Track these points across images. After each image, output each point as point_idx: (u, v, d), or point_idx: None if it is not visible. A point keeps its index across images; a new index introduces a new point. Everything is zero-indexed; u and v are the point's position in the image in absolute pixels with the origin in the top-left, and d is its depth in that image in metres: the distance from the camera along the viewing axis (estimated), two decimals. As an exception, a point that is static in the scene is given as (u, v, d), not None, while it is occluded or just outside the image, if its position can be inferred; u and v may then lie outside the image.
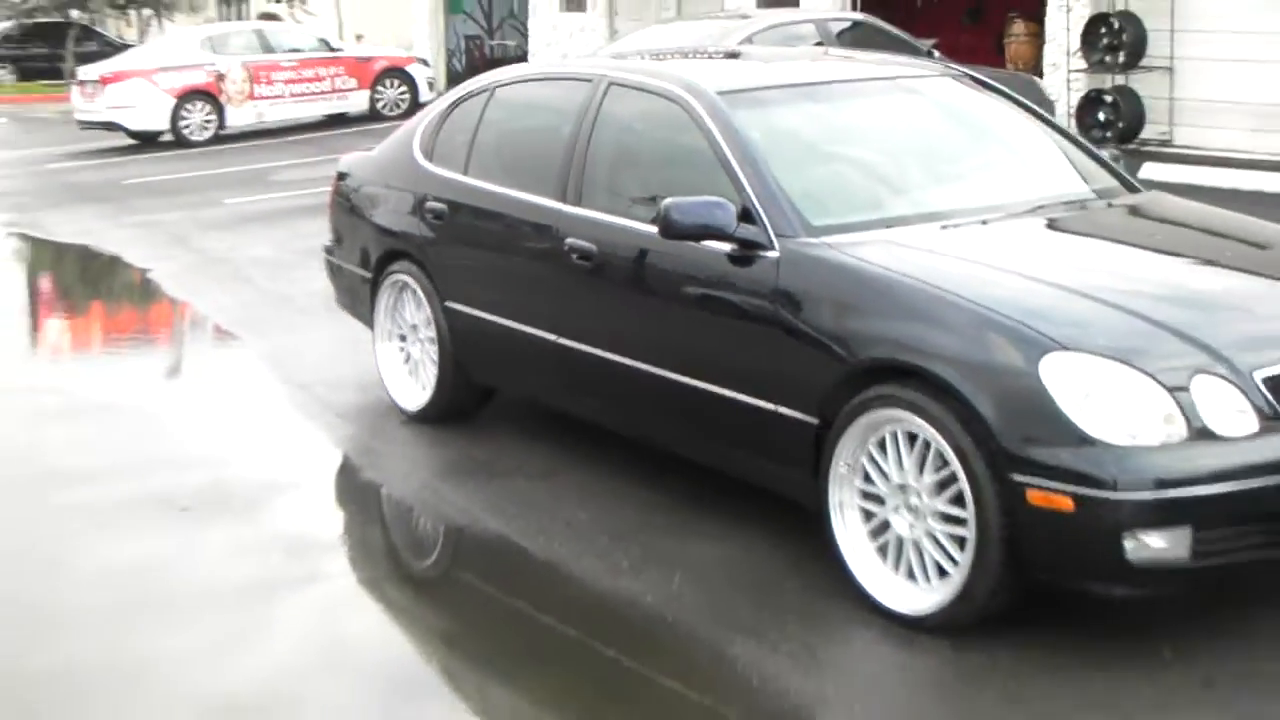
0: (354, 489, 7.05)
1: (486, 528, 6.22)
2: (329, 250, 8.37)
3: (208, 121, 21.52)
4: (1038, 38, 19.73)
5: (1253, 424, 4.77)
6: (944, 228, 5.72)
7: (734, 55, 8.42)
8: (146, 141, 21.48)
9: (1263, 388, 4.83)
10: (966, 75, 7.12)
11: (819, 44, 14.21)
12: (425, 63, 24.72)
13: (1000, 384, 4.82)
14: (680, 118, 6.18)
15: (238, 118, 21.77)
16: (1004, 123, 6.82)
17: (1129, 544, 4.62)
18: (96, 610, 5.48)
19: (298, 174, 18.08)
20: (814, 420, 5.34)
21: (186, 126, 21.31)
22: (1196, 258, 5.92)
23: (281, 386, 8.56)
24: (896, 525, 5.14)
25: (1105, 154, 6.83)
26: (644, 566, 5.69)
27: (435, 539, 6.43)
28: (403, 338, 7.65)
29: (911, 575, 5.12)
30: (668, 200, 5.66)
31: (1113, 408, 4.71)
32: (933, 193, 6.13)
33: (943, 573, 5.01)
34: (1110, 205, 6.28)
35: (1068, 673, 4.78)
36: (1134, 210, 6.33)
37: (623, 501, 6.36)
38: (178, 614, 5.43)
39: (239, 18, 33.64)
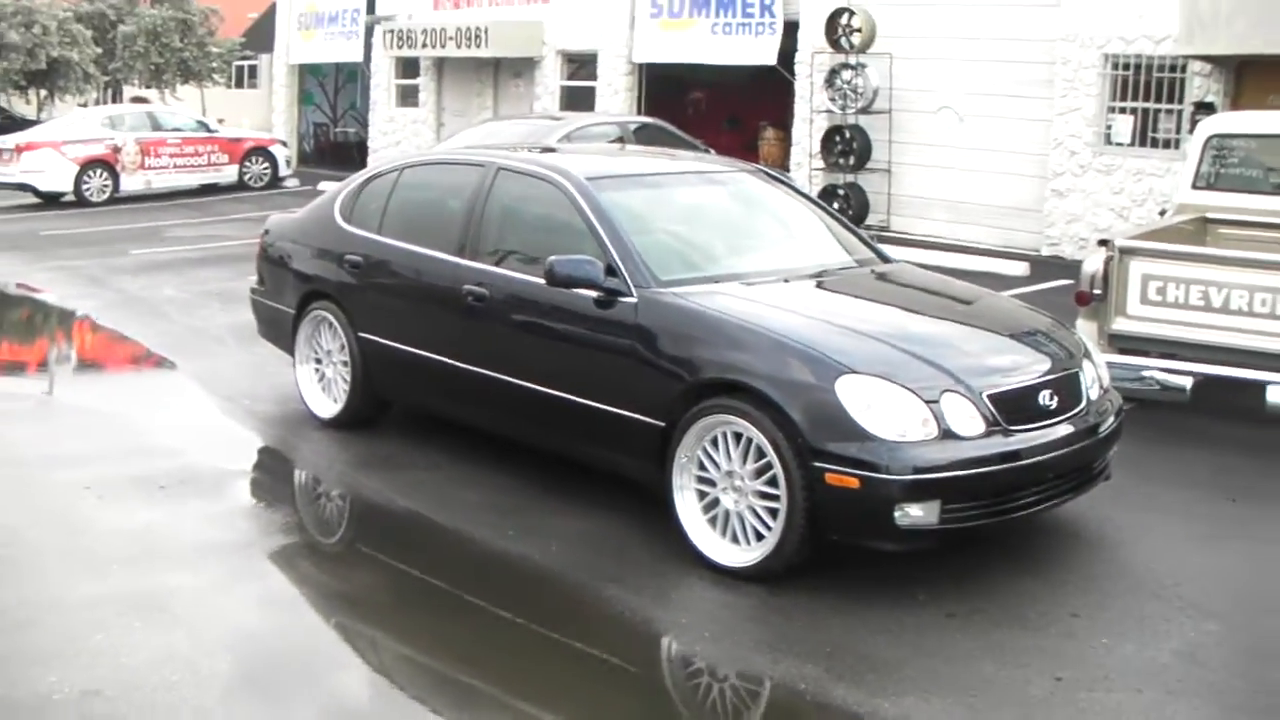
0: (290, 475, 7.31)
1: (400, 505, 6.54)
2: (255, 291, 8.60)
3: (105, 186, 21.29)
4: (784, 142, 20.66)
5: (981, 427, 5.45)
6: (754, 284, 6.27)
7: (607, 149, 8.86)
8: (50, 201, 21.07)
9: (987, 402, 5.51)
10: (761, 170, 7.72)
11: (618, 140, 14.71)
12: (284, 144, 24.70)
13: (806, 397, 5.40)
14: (556, 196, 6.65)
15: (130, 184, 21.56)
16: (790, 207, 7.41)
17: (897, 512, 5.24)
18: (119, 559, 5.69)
19: (187, 231, 17.96)
20: (661, 423, 5.84)
21: (87, 189, 21.05)
22: (932, 310, 6.53)
23: (213, 398, 8.70)
24: (724, 501, 5.67)
25: (864, 234, 7.51)
26: (526, 535, 6.09)
27: (361, 512, 6.65)
28: (318, 361, 7.93)
29: (735, 539, 5.65)
30: (552, 257, 6.14)
31: (887, 414, 5.32)
32: (744, 258, 6.66)
33: (759, 536, 5.56)
34: (873, 271, 6.93)
35: (854, 608, 5.35)
36: (886, 275, 6.98)
37: (500, 487, 6.74)
38: (181, 562, 5.69)
39: (115, 99, 32.89)
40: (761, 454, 5.48)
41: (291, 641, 5.06)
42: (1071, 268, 14.76)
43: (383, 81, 25.12)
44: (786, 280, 6.40)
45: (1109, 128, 16.10)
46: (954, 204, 17.25)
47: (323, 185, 22.91)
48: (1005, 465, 5.46)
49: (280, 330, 8.25)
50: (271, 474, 7.34)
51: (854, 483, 5.23)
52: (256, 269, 8.60)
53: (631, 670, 4.98)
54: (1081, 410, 5.87)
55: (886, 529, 5.28)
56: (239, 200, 21.65)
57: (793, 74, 19.09)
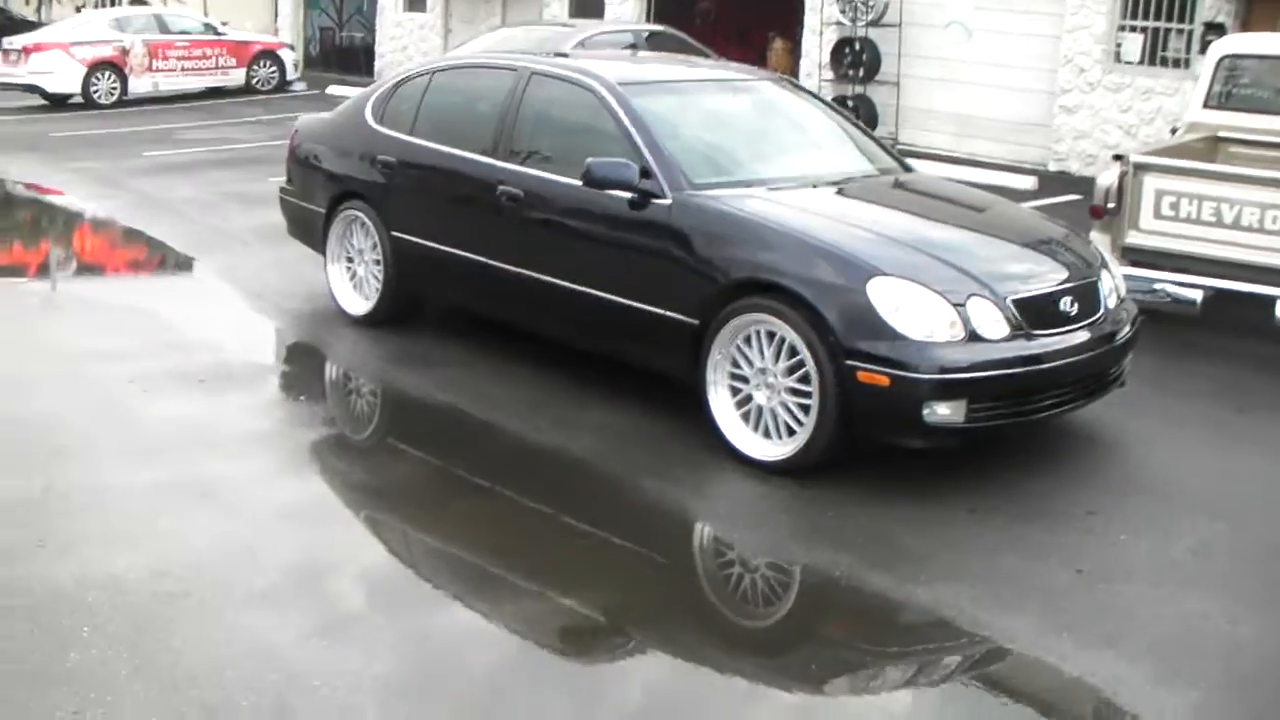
0: (325, 371, 7.48)
1: (436, 399, 6.72)
2: (285, 191, 8.70)
3: (113, 88, 21.19)
4: (792, 53, 20.61)
5: (1005, 331, 5.62)
6: (783, 189, 6.41)
7: (626, 56, 8.93)
8: (58, 103, 21.00)
9: (1011, 307, 5.68)
10: (784, 79, 7.82)
11: (630, 46, 14.72)
12: (291, 47, 24.59)
13: (839, 298, 5.56)
14: (589, 100, 6.76)
15: (138, 86, 21.47)
16: (814, 115, 7.52)
17: (925, 410, 5.43)
18: (168, 448, 5.86)
19: (198, 134, 17.93)
20: (695, 322, 6.01)
21: (95, 92, 20.96)
22: (955, 218, 6.68)
23: (243, 296, 8.83)
24: (757, 398, 5.85)
25: (885, 142, 7.64)
26: (560, 428, 6.28)
27: (396, 405, 6.83)
28: (349, 260, 8.06)
29: (768, 434, 5.84)
30: (589, 159, 6.27)
31: (916, 315, 5.49)
32: (772, 164, 6.79)
33: (791, 431, 5.75)
34: (895, 179, 7.07)
35: (880, 502, 5.54)
36: (909, 183, 7.11)
37: (530, 383, 6.91)
38: (228, 452, 5.86)
39: (113, 3, 32.53)
40: (794, 352, 5.65)
41: (336, 529, 5.25)
42: (1079, 183, 14.99)
43: (390, -15, 24.96)
44: (814, 186, 6.53)
45: (1119, 45, 16.10)
46: (962, 118, 17.28)
47: (331, 89, 22.92)
48: (1028, 368, 5.64)
49: (310, 229, 8.38)
50: (307, 369, 7.53)
51: (885, 381, 5.41)
52: (286, 169, 8.70)
53: (667, 558, 5.17)
54: (1100, 318, 6.05)
55: (915, 426, 5.47)
56: (247, 104, 21.60)
57: (803, -14, 19.01)
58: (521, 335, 7.29)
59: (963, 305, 5.54)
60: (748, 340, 5.83)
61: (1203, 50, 15.00)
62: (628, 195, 6.26)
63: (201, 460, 5.69)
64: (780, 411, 5.75)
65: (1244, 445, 6.50)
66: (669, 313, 6.08)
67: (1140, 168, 8.25)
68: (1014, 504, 5.61)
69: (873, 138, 7.52)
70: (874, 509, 5.47)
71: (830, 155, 7.07)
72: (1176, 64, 15.63)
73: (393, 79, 8.11)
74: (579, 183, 6.44)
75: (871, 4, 17.70)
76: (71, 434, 5.96)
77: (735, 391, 5.92)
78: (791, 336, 5.62)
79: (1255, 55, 10.13)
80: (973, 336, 5.51)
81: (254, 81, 22.94)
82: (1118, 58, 16.07)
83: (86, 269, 10.44)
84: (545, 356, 7.15)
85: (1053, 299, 5.86)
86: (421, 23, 24.38)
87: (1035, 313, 5.74)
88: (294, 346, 7.78)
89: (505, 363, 7.19)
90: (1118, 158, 8.40)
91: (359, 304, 7.98)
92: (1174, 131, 10.61)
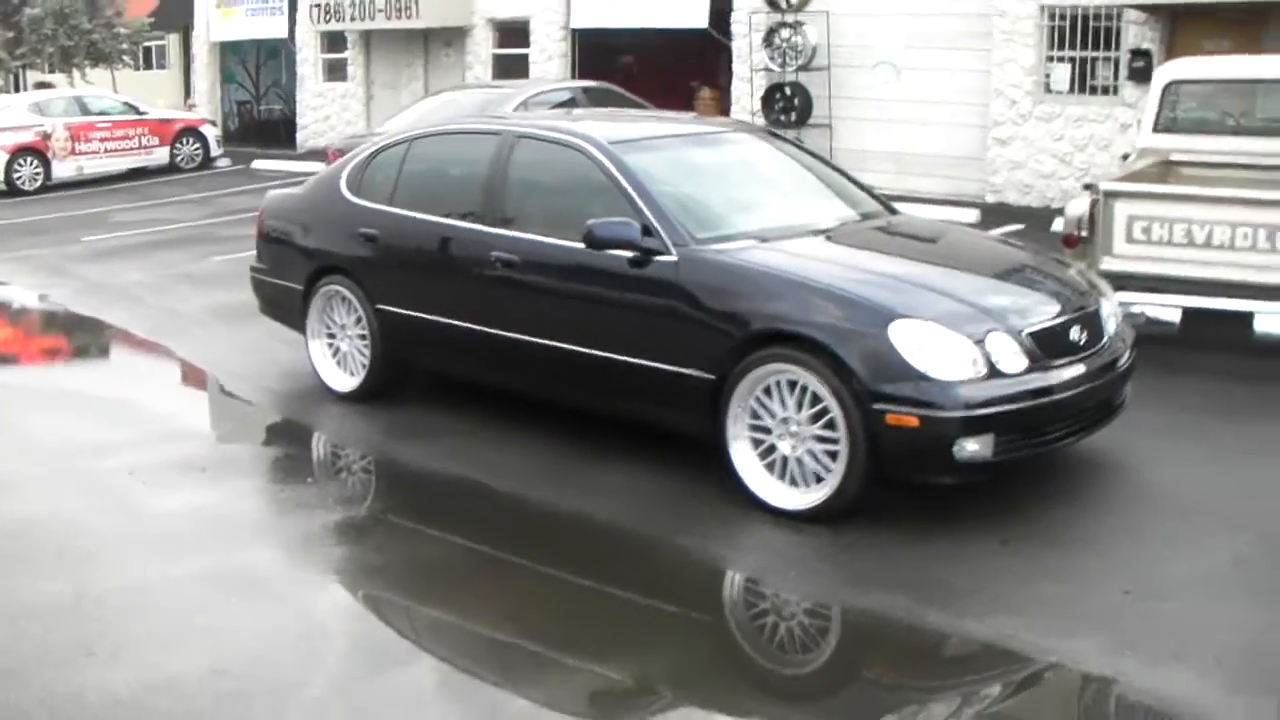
0: (327, 449, 7.37)
1: (448, 472, 6.62)
2: (256, 270, 8.60)
3: (36, 174, 20.90)
4: (719, 100, 20.87)
5: (1024, 364, 5.71)
6: (785, 239, 6.46)
7: (608, 115, 8.94)
8: (-21, 191, 20.70)
9: (1028, 340, 5.77)
10: (762, 129, 7.90)
11: (568, 103, 14.73)
12: (213, 123, 24.42)
13: (860, 343, 5.61)
14: (579, 160, 6.77)
15: (62, 171, 21.18)
16: (797, 163, 7.59)
17: (955, 447, 5.49)
18: (189, 541, 5.71)
19: (132, 216, 17.70)
20: (711, 376, 6.02)
21: (19, 178, 20.66)
22: (955, 255, 6.78)
23: (219, 377, 8.74)
24: (781, 448, 5.87)
25: (867, 185, 7.74)
26: (580, 494, 6.22)
27: (410, 481, 6.65)
28: (331, 336, 7.99)
29: (794, 483, 5.86)
30: (590, 221, 6.29)
31: (938, 355, 5.55)
32: (768, 214, 6.82)
33: (818, 479, 5.77)
34: (888, 222, 7.16)
35: (913, 541, 5.59)
36: (901, 226, 7.21)
37: (535, 449, 6.85)
38: (246, 540, 5.75)
39: (19, 88, 32.15)
40: (817, 400, 5.68)
41: (375, 616, 5.18)
42: (1018, 213, 15.30)
43: (309, 56, 24.89)
44: (812, 234, 6.58)
45: (1048, 76, 16.46)
46: (898, 156, 17.56)
47: (256, 164, 22.77)
48: (1049, 398, 5.73)
49: (287, 307, 8.29)
50: (307, 449, 7.37)
51: (914, 421, 5.46)
52: (257, 248, 8.61)
53: (715, 616, 5.18)
54: (1104, 344, 6.16)
55: (945, 464, 5.53)
56: (171, 183, 21.38)
57: (726, 35, 19.25)
58: (515, 401, 7.26)
59: (982, 341, 5.62)
60: (768, 391, 5.85)
61: (1130, 77, 15.42)
62: (629, 254, 6.25)
63: (224, 551, 5.57)
64: (807, 459, 5.78)
65: (1247, 456, 6.64)
66: (683, 369, 6.09)
67: (1111, 195, 8.42)
68: (1043, 532, 5.70)
69: (854, 181, 7.60)
70: (908, 547, 5.52)
71: (818, 202, 7.14)
72: (1106, 91, 16.02)
73: (366, 150, 8.06)
74: (578, 244, 6.44)
75: (799, 49, 17.95)
76: (86, 534, 5.81)
77: (757, 443, 5.93)
78: (814, 384, 5.66)
79: (1201, 80, 10.41)
80: (994, 372, 5.60)
81: (178, 159, 22.76)
82: (1048, 88, 16.44)
83: (52, 359, 10.22)
84: (544, 421, 7.11)
85: (1063, 329, 5.97)
86: (343, 91, 24.36)
87: (1049, 344, 5.83)
88: (286, 427, 7.64)
89: (505, 430, 7.13)
90: (1088, 187, 8.58)
91: (344, 380, 7.91)
92: (1125, 158, 10.83)
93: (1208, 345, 8.46)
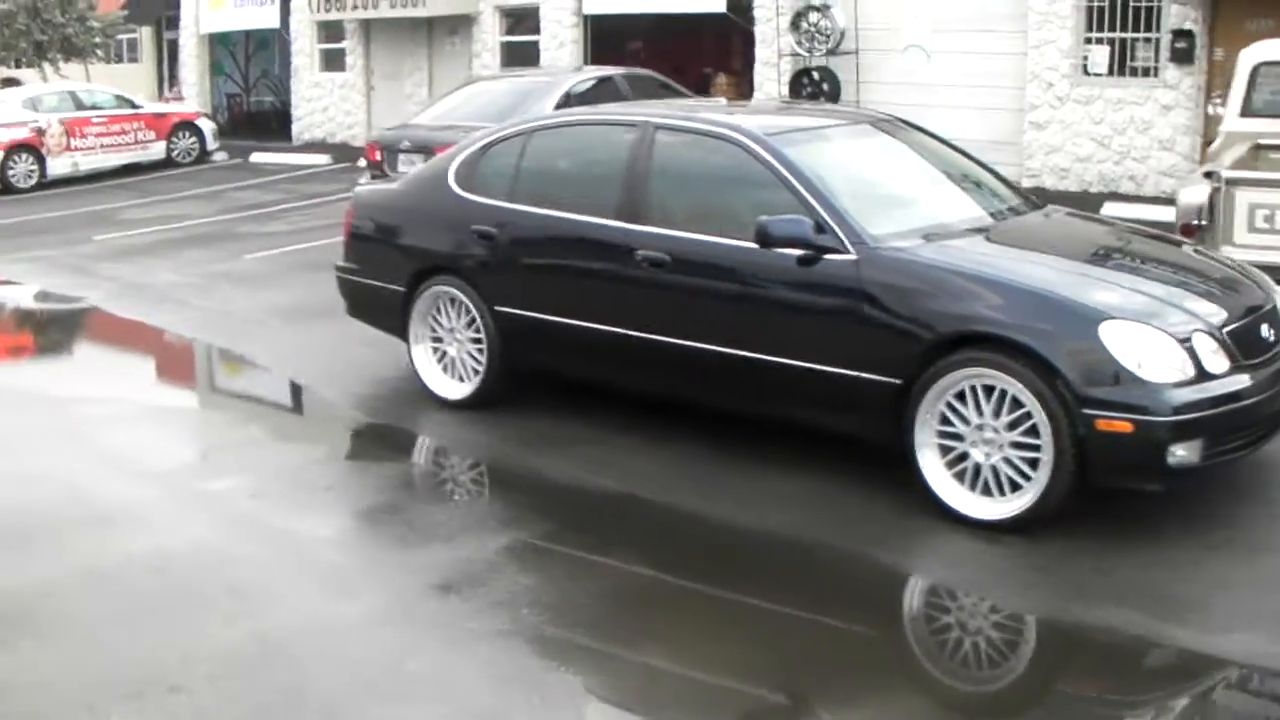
0: (460, 463, 7.04)
1: (600, 485, 6.31)
2: (345, 270, 8.32)
3: (31, 171, 20.42)
4: (737, 86, 20.72)
5: (1227, 364, 5.55)
6: (957, 234, 6.28)
7: (740, 105, 8.55)
8: (-29, 191, 20.22)
9: (1228, 339, 5.61)
10: (892, 117, 7.70)
11: (612, 91, 14.39)
12: (209, 116, 23.98)
13: (1069, 346, 5.42)
14: (736, 154, 6.53)
15: (57, 167, 20.71)
16: (939, 154, 7.38)
17: (1168, 453, 5.31)
18: (342, 570, 5.47)
19: (141, 213, 17.29)
20: (896, 381, 5.82)
21: (13, 175, 20.18)
22: (1136, 253, 6.54)
23: (311, 385, 8.47)
24: (974, 455, 5.68)
25: (1005, 176, 7.56)
26: (745, 504, 5.98)
27: (564, 496, 6.28)
28: (437, 340, 7.73)
29: (987, 492, 5.67)
30: (763, 218, 6.06)
31: (1150, 357, 5.38)
32: (932, 208, 6.65)
33: (1015, 487, 5.58)
34: (1046, 215, 6.98)
35: (1118, 550, 5.42)
36: (1063, 219, 7.05)
37: (684, 456, 6.58)
38: (417, 567, 5.39)
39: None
40: (1017, 405, 5.50)
41: (567, 659, 4.65)
42: (1055, 198, 15.00)
43: (305, 46, 24.48)
44: (977, 230, 6.40)
45: (1085, 58, 16.35)
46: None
47: (255, 157, 22.39)
48: (1250, 400, 5.57)
49: (384, 310, 8.02)
50: (436, 462, 7.08)
51: (1127, 427, 5.29)
52: (346, 246, 8.32)
53: (965, 629, 4.99)
54: None
55: (1158, 470, 5.37)
56: (171, 178, 20.97)
57: (747, 20, 19.05)
58: (642, 406, 7.04)
59: (1188, 341, 5.46)
60: (960, 396, 5.66)
61: (1172, 58, 15.33)
62: (798, 252, 6.04)
63: (394, 586, 5.17)
64: (1003, 467, 5.60)
65: None
66: (863, 374, 5.89)
67: (1233, 183, 8.27)
68: (1244, 537, 5.59)
69: (990, 170, 7.42)
70: (1121, 557, 5.35)
71: (967, 194, 6.95)
72: (1146, 73, 15.92)
73: (475, 143, 7.79)
74: (739, 242, 6.23)
75: (827, 32, 17.77)
76: (237, 566, 5.44)
77: (945, 450, 5.74)
78: (1016, 389, 5.48)
79: (1290, 62, 10.31)
80: (1201, 374, 5.42)
81: (174, 154, 22.34)
82: (1085, 70, 16.32)
83: (115, 369, 9.73)
84: (680, 427, 6.89)
85: (1254, 327, 5.83)
86: (341, 82, 23.97)
87: (1244, 343, 5.68)
88: (401, 437, 7.32)
89: (643, 437, 6.88)
90: (1208, 174, 8.44)
91: (453, 387, 7.65)
92: (1209, 143, 10.72)
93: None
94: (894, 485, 5.93)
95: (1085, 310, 5.47)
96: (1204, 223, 8.39)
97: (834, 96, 17.83)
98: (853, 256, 5.94)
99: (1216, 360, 5.51)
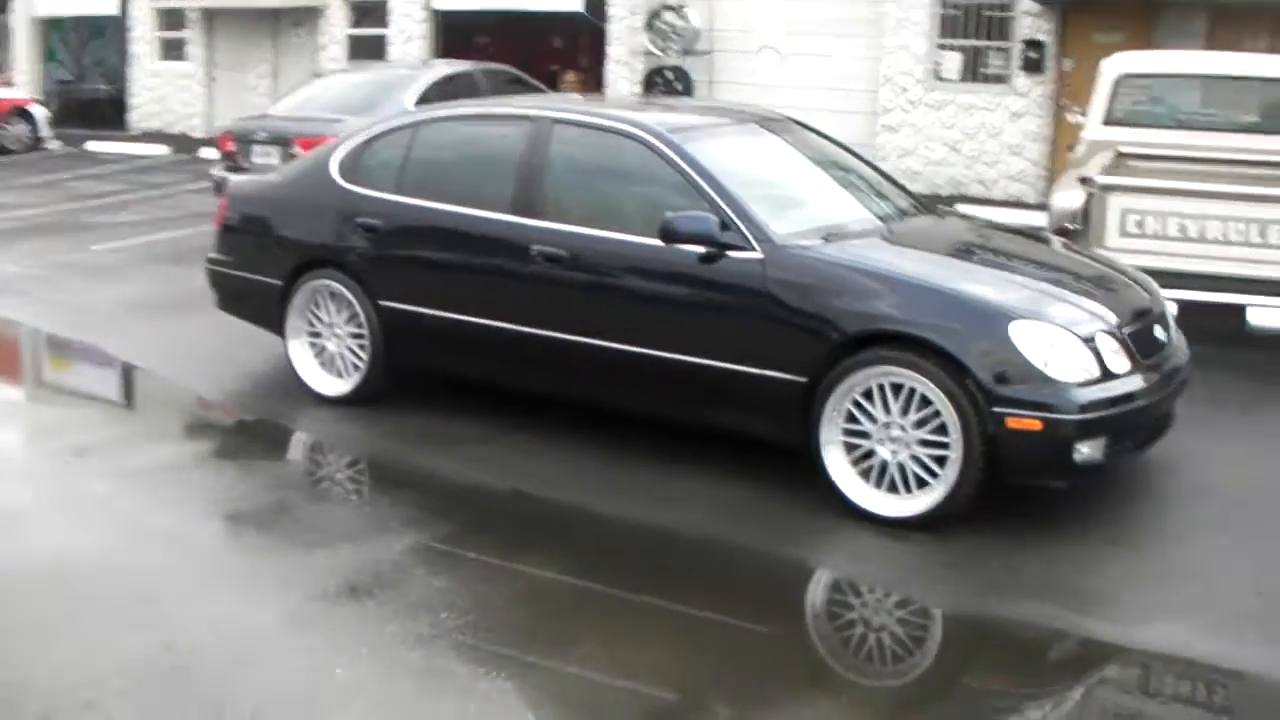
0: (347, 461, 6.77)
1: (497, 485, 6.14)
2: (217, 262, 8.01)
3: None
4: (584, 85, 20.68)
5: (1128, 365, 5.67)
6: (856, 234, 6.29)
7: (632, 101, 8.39)
8: None
9: (1128, 339, 5.74)
10: (785, 117, 7.70)
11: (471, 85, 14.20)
12: (42, 103, 23.01)
13: (979, 344, 5.47)
14: (636, 150, 6.45)
15: (-120, 152, 19.64)
16: (835, 154, 7.42)
17: (1075, 451, 5.40)
18: (247, 577, 5.24)
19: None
20: (802, 379, 5.81)
21: None
22: (1034, 255, 6.67)
23: (173, 377, 8.11)
24: (880, 453, 5.69)
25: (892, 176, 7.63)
26: (653, 504, 5.88)
27: (460, 496, 6.11)
28: (315, 335, 7.51)
29: (894, 489, 5.69)
30: (669, 214, 6.00)
31: (1058, 357, 5.47)
32: (830, 207, 6.68)
33: (921, 484, 5.62)
34: (940, 217, 7.05)
35: (1024, 546, 5.50)
36: (954, 220, 7.14)
37: (583, 456, 6.47)
38: (323, 567, 5.16)
39: None
40: (925, 403, 5.53)
41: (477, 675, 4.37)
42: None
43: (144, 34, 23.67)
44: (874, 231, 6.43)
45: (938, 64, 16.69)
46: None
47: (90, 145, 21.58)
48: (1148, 400, 5.70)
49: (258, 304, 7.75)
50: (326, 463, 6.79)
51: (1037, 425, 5.36)
52: (219, 238, 8.03)
53: (871, 626, 4.98)
54: (1172, 345, 6.18)
55: (1065, 467, 5.46)
56: (3, 165, 20.04)
57: (601, 18, 19.02)
58: (523, 404, 6.94)
59: (1092, 341, 5.55)
60: (867, 395, 5.66)
61: (1024, 67, 15.74)
62: (700, 250, 5.99)
63: (316, 595, 4.85)
64: (910, 465, 5.62)
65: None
66: (769, 372, 5.86)
67: (1107, 188, 8.49)
68: (1138, 531, 5.75)
69: (879, 171, 7.49)
70: (1027, 553, 5.41)
71: (866, 195, 6.98)
72: (998, 80, 16.31)
73: (359, 135, 7.58)
74: (638, 238, 6.18)
75: (683, 32, 17.83)
76: (150, 576, 5.03)
77: (850, 448, 5.74)
78: (925, 388, 5.51)
79: (1151, 74, 10.64)
80: (1105, 373, 5.52)
81: (4, 141, 21.35)
82: (938, 76, 16.65)
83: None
84: (568, 426, 6.79)
85: (1149, 328, 5.98)
86: (182, 72, 23.25)
87: (1141, 344, 5.81)
88: (284, 435, 7.02)
89: (531, 437, 6.75)
90: (1083, 180, 8.64)
91: (332, 383, 7.43)
92: (1071, 149, 11.00)
93: (1200, 338, 8.56)
94: (799, 486, 5.90)
95: (995, 310, 5.53)
96: (1077, 227, 8.58)
97: (687, 96, 17.90)
98: (758, 255, 5.91)
99: (1118, 360, 5.62)
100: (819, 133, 7.60)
